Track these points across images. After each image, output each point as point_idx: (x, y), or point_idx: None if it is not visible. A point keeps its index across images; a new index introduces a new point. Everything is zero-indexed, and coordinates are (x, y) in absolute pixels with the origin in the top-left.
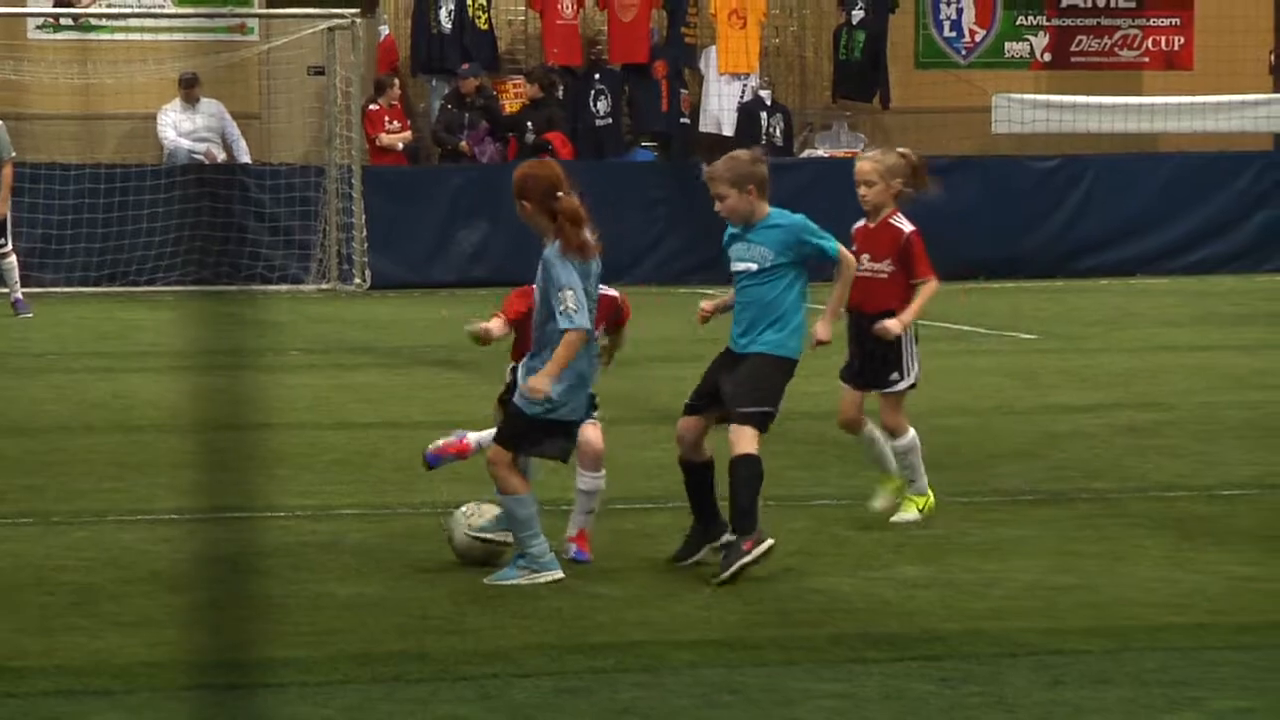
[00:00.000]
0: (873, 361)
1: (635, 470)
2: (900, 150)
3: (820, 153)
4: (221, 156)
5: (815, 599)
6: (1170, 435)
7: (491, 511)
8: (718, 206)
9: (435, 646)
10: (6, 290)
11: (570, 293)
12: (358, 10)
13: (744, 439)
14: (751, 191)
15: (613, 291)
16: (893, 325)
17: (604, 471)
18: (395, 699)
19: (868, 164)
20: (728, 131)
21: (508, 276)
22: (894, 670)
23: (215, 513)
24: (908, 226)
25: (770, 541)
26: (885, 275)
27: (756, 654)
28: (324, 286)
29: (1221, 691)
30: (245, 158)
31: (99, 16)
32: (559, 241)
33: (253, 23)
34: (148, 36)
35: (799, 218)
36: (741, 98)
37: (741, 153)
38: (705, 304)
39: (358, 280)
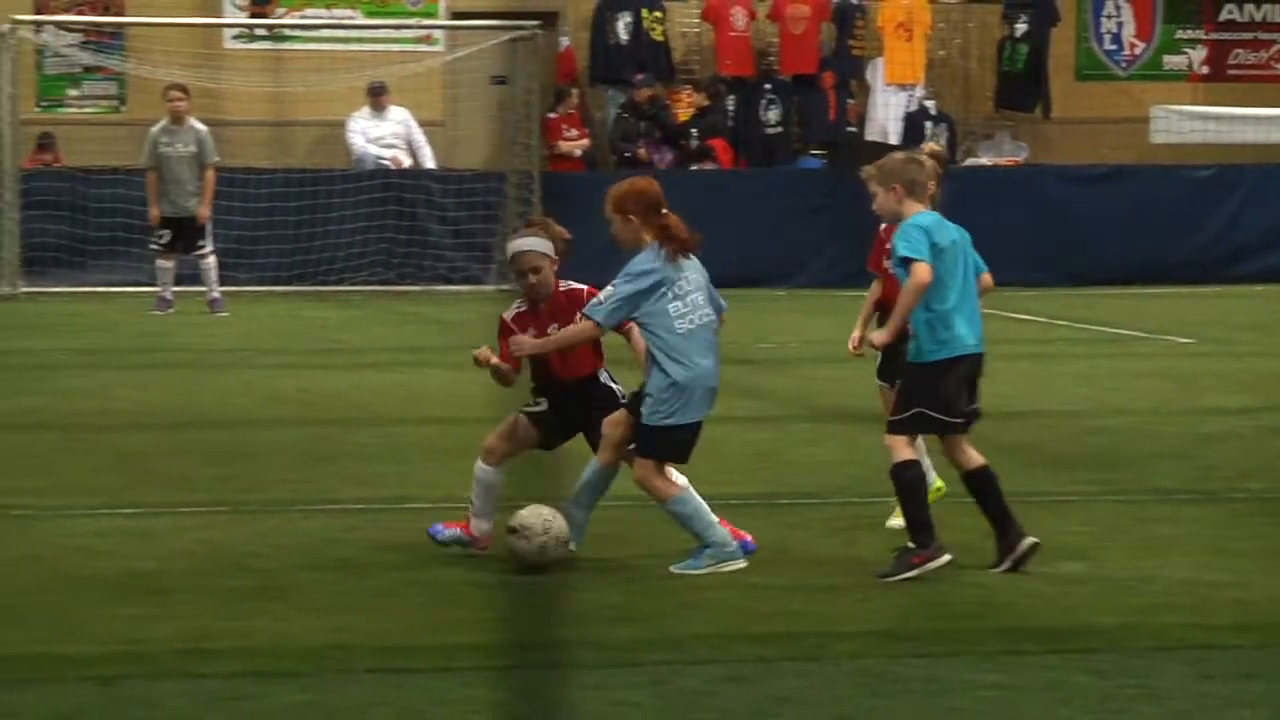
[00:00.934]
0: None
1: (798, 467)
2: (929, 148)
3: (983, 161)
4: (408, 162)
5: (974, 593)
6: None
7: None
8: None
9: (607, 634)
10: (205, 289)
11: (613, 289)
12: (539, 22)
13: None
14: (896, 190)
15: (581, 286)
16: (877, 337)
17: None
18: (568, 684)
19: (870, 168)
20: (893, 140)
21: None
22: (1050, 662)
23: (396, 503)
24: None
25: (946, 557)
26: None
27: (916, 645)
28: (503, 287)
29: None
30: (430, 163)
31: (292, 27)
32: (663, 249)
33: (439, 34)
34: (338, 46)
35: (909, 221)
36: (907, 107)
37: (898, 153)
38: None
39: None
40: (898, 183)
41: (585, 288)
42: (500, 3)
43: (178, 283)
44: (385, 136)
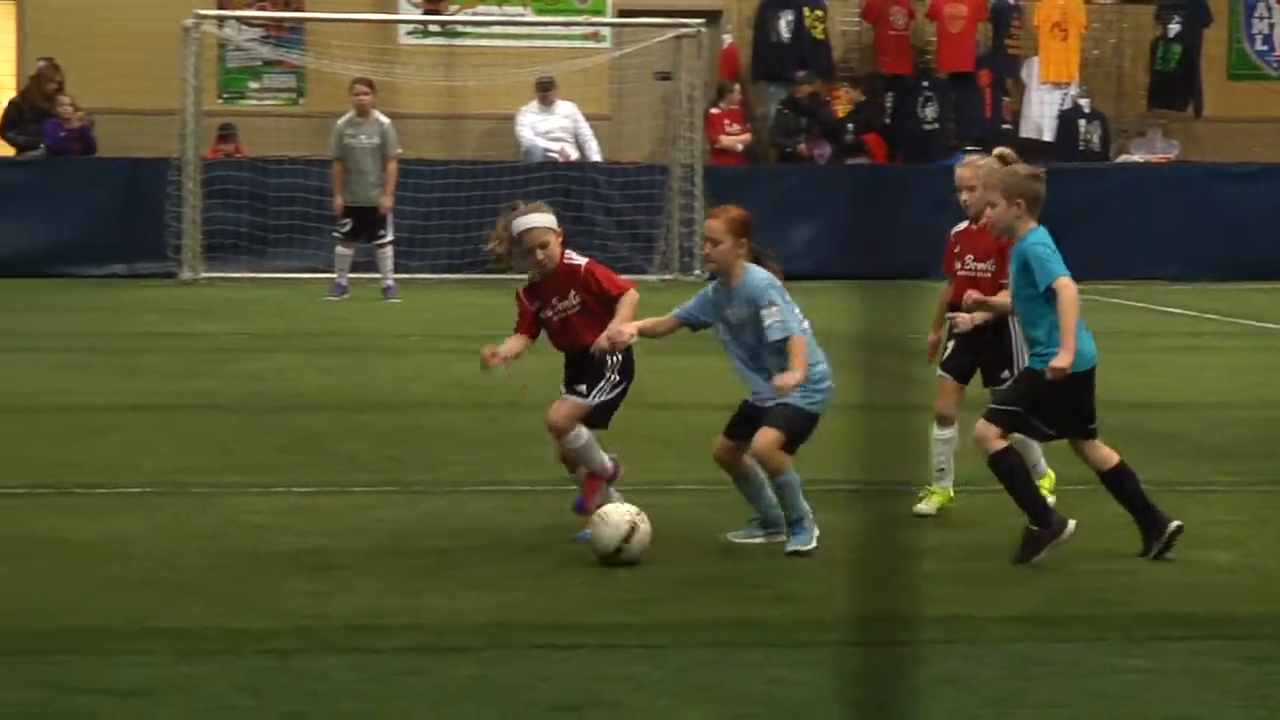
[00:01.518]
0: (985, 359)
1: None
2: (999, 152)
3: (1135, 158)
4: (574, 155)
5: (1120, 579)
6: None
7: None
8: (990, 213)
9: (766, 614)
10: (379, 276)
11: (780, 305)
12: (703, 20)
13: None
14: (1020, 204)
15: (579, 260)
16: (965, 317)
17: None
18: (727, 663)
19: (967, 170)
20: (1048, 137)
21: (831, 270)
22: (1196, 648)
23: (556, 485)
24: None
25: (1071, 525)
26: (988, 275)
27: (1064, 630)
28: (666, 277)
29: None
30: (596, 156)
31: (464, 23)
32: (765, 272)
33: (605, 31)
34: (508, 42)
35: (1039, 242)
36: (1061, 105)
37: (1019, 167)
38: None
39: (697, 271)
40: (1021, 198)
41: (584, 262)
42: (666, 1)
43: (351, 270)
44: (553, 130)
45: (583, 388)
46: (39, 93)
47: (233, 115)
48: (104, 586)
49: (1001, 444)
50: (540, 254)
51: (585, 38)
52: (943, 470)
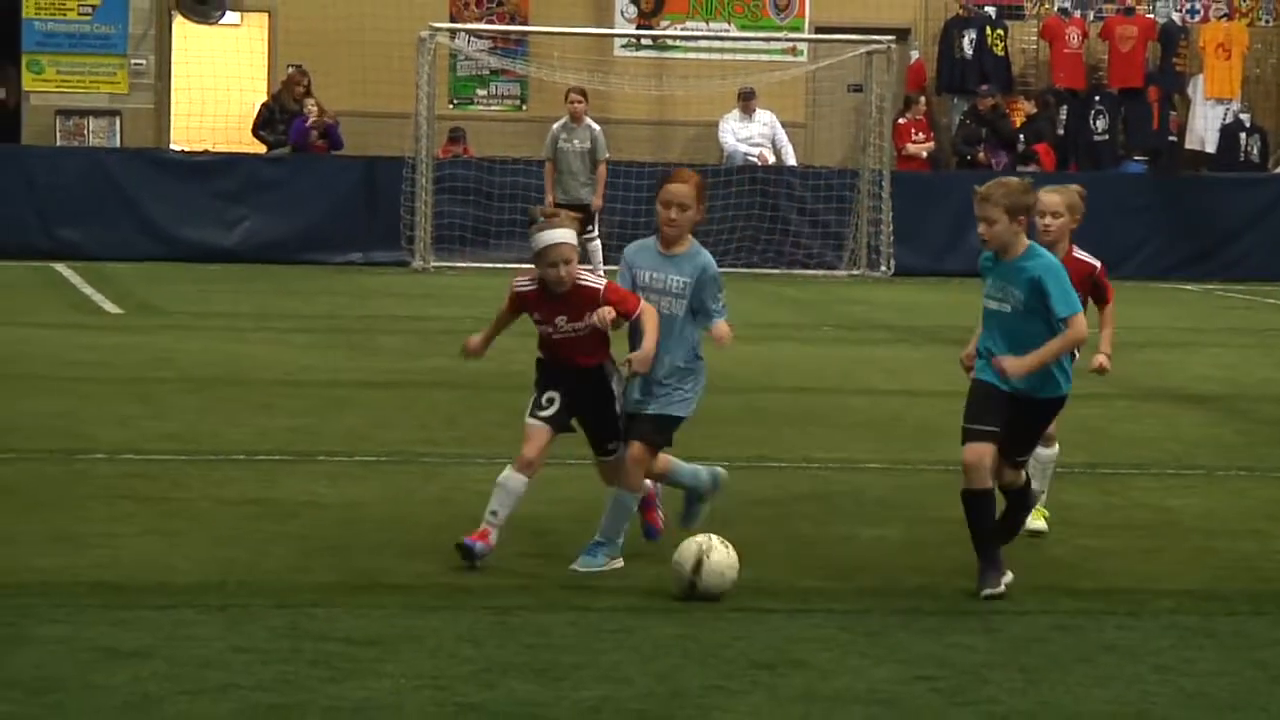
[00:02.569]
0: None
1: (1120, 440)
2: (1075, 187)
3: None
4: (772, 159)
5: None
6: None
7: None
8: (982, 230)
9: (946, 585)
10: (590, 268)
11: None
12: (893, 37)
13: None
14: (1022, 222)
15: (598, 283)
16: (1106, 364)
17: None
18: (910, 628)
19: (1057, 197)
20: (1210, 149)
21: None
22: None
23: (757, 462)
24: (1096, 261)
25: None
26: None
27: (1227, 604)
28: (854, 273)
29: None
30: (792, 160)
31: (674, 38)
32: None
33: (803, 46)
34: (714, 56)
35: (1059, 266)
36: (1224, 120)
37: (1014, 180)
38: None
39: (884, 268)
40: (1023, 214)
41: (602, 285)
42: (858, 18)
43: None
44: (753, 136)
45: (613, 445)
46: (289, 95)
47: (462, 119)
48: (344, 546)
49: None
50: (562, 270)
51: (784, 52)
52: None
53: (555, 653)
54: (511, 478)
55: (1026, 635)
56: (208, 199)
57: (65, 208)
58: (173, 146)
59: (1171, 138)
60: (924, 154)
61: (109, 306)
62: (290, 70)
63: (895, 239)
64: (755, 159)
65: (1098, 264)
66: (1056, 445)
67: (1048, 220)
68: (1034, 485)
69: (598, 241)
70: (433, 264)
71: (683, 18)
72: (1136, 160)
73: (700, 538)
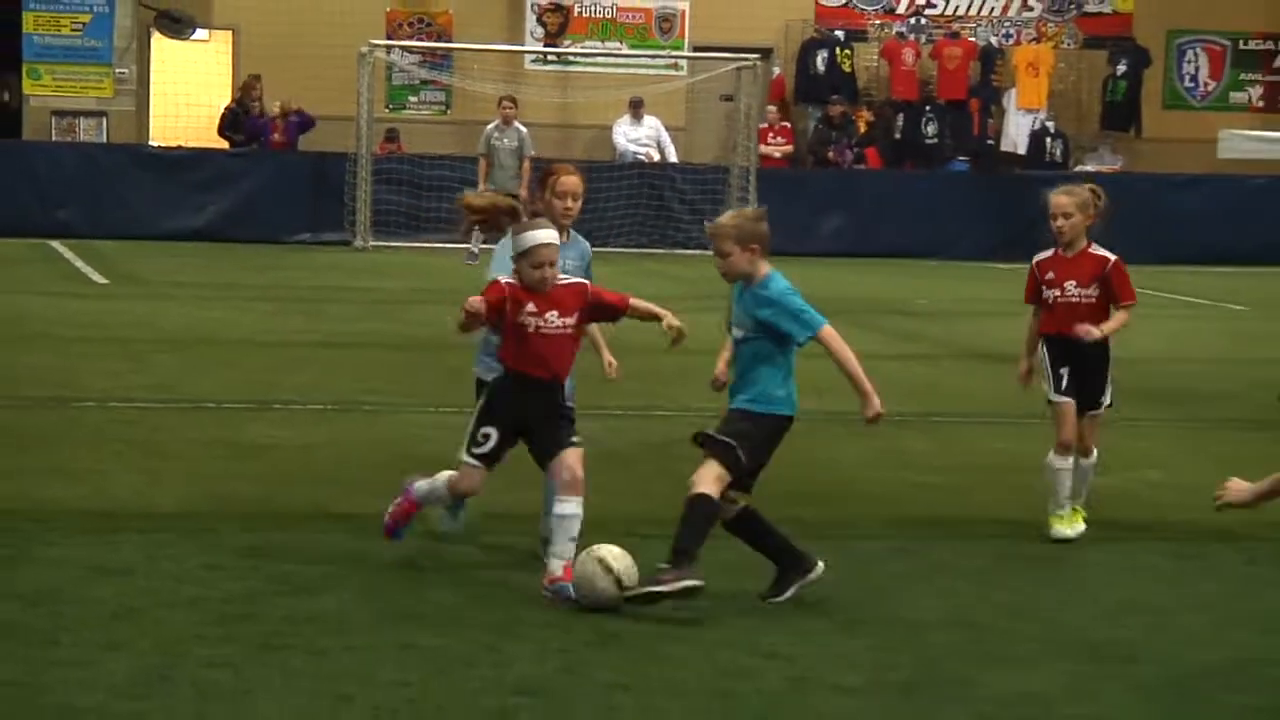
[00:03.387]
0: (1088, 382)
1: (949, 394)
2: (1090, 186)
3: (1089, 168)
4: (657, 157)
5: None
6: None
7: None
8: (719, 264)
9: (808, 512)
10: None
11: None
12: (759, 55)
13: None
14: (755, 250)
15: (581, 279)
16: (1094, 329)
17: (581, 498)
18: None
19: (1066, 198)
20: (1021, 151)
21: (856, 250)
22: (1134, 548)
23: (645, 412)
24: (1111, 255)
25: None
26: (1093, 300)
27: (1039, 530)
28: None
29: None
30: (674, 158)
31: (575, 54)
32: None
33: (683, 62)
34: (609, 70)
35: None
36: (1033, 126)
37: (749, 210)
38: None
39: None
40: (755, 243)
41: (586, 281)
42: (730, 39)
43: (483, 243)
44: (641, 138)
45: (576, 437)
46: (247, 98)
47: (396, 121)
48: (297, 481)
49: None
50: (549, 271)
51: (668, 67)
52: (1076, 493)
53: (475, 570)
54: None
55: (871, 557)
56: (181, 187)
57: (60, 194)
58: (151, 143)
59: (989, 141)
60: (778, 154)
61: (97, 278)
62: (248, 78)
63: None
64: (643, 157)
65: (1112, 258)
66: (1095, 454)
67: (1059, 221)
68: (1075, 489)
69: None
70: (371, 244)
71: (582, 38)
72: (960, 160)
73: (583, 559)
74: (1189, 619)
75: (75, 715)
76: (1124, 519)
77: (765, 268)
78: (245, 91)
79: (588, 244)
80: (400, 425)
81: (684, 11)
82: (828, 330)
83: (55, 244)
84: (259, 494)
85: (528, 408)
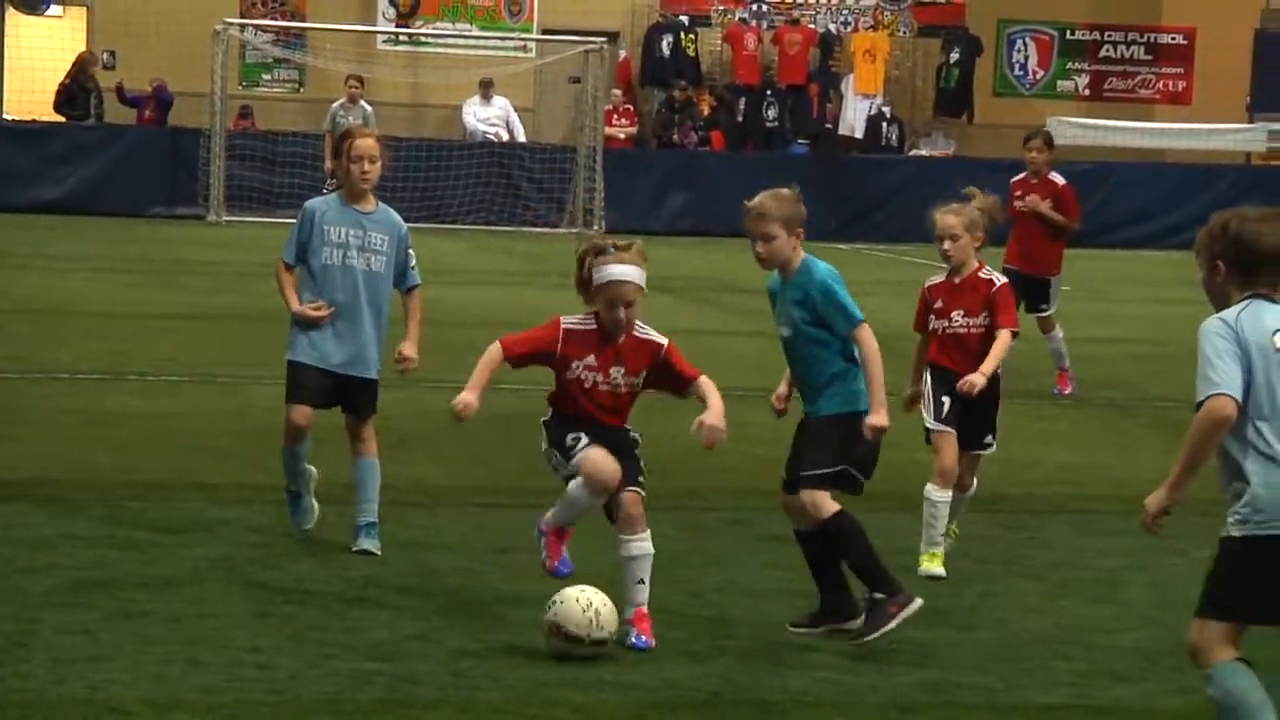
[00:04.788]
0: (975, 419)
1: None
2: (976, 203)
3: (923, 152)
4: (506, 137)
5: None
6: (1164, 362)
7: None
8: (762, 249)
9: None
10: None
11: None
12: (605, 39)
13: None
14: (800, 234)
15: (661, 339)
16: (976, 379)
17: (647, 533)
18: None
19: (953, 218)
20: (858, 135)
21: (703, 229)
22: (970, 518)
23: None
24: (999, 279)
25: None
26: (981, 330)
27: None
28: (572, 230)
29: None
30: (522, 138)
31: (426, 35)
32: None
33: (532, 44)
34: (459, 50)
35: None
36: (869, 112)
37: (785, 191)
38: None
39: (596, 226)
40: (800, 226)
41: (665, 341)
42: (577, 23)
43: None
44: (490, 118)
45: (640, 478)
46: (84, 76)
47: (250, 99)
48: (156, 449)
49: (836, 506)
50: (623, 312)
51: (517, 49)
52: (944, 534)
53: (333, 533)
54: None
55: (712, 527)
56: (38, 161)
57: None
58: (5, 116)
59: (828, 125)
60: (622, 135)
61: None
62: (83, 53)
63: (606, 203)
64: (492, 136)
65: (999, 282)
66: (974, 487)
67: (946, 245)
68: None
69: None
70: (225, 218)
71: (433, 19)
72: (800, 143)
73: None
74: (1022, 586)
75: None
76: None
77: (801, 254)
78: (81, 68)
79: (400, 219)
80: (255, 397)
81: None
82: (865, 328)
83: None
84: (115, 462)
85: (604, 436)
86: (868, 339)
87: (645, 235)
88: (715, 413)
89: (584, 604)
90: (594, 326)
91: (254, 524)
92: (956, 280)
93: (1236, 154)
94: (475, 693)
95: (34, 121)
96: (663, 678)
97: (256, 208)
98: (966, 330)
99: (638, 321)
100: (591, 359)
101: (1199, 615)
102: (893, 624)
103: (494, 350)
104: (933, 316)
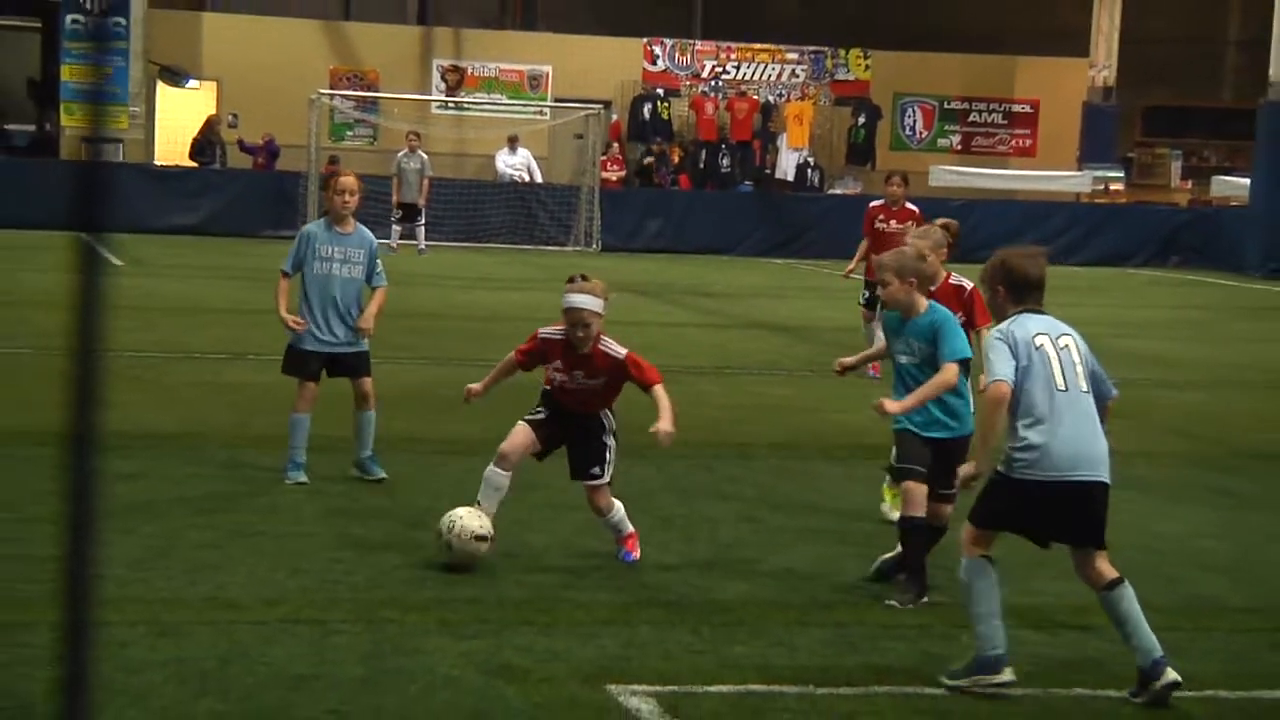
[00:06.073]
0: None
1: (736, 353)
2: (943, 222)
3: (838, 191)
4: (527, 179)
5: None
6: None
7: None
8: (880, 293)
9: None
10: (416, 242)
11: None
12: (601, 106)
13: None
14: (912, 284)
15: (620, 352)
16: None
17: (616, 506)
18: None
19: (920, 240)
20: (790, 178)
21: (673, 247)
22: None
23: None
24: (969, 283)
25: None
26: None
27: (803, 452)
28: (578, 248)
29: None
30: (539, 179)
31: (468, 103)
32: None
33: (547, 110)
34: (492, 114)
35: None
36: (798, 160)
37: (909, 249)
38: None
39: (594, 245)
40: (914, 277)
41: (623, 354)
42: (581, 93)
43: (401, 238)
44: (516, 164)
45: (597, 469)
46: (211, 132)
47: (336, 149)
48: (264, 411)
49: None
50: (580, 332)
51: (535, 113)
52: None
53: (396, 474)
54: (492, 472)
55: (680, 471)
56: (178, 195)
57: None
58: (155, 163)
59: (767, 171)
60: (614, 178)
61: (114, 260)
62: (209, 116)
63: (603, 228)
64: (517, 178)
65: (969, 286)
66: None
67: (880, 289)
68: None
69: (423, 227)
70: None
71: (474, 90)
72: (746, 184)
73: (459, 511)
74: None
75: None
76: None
77: (924, 303)
78: (210, 126)
79: (371, 235)
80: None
81: (548, 73)
82: (954, 367)
83: (82, 236)
84: (235, 420)
85: (569, 423)
86: (950, 375)
87: (629, 252)
88: (666, 419)
89: (474, 513)
90: (563, 337)
91: (337, 466)
92: (932, 289)
93: (1069, 194)
94: (504, 591)
95: (175, 166)
96: (641, 582)
97: None
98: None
99: (605, 337)
100: (558, 363)
101: (970, 521)
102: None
103: (509, 358)
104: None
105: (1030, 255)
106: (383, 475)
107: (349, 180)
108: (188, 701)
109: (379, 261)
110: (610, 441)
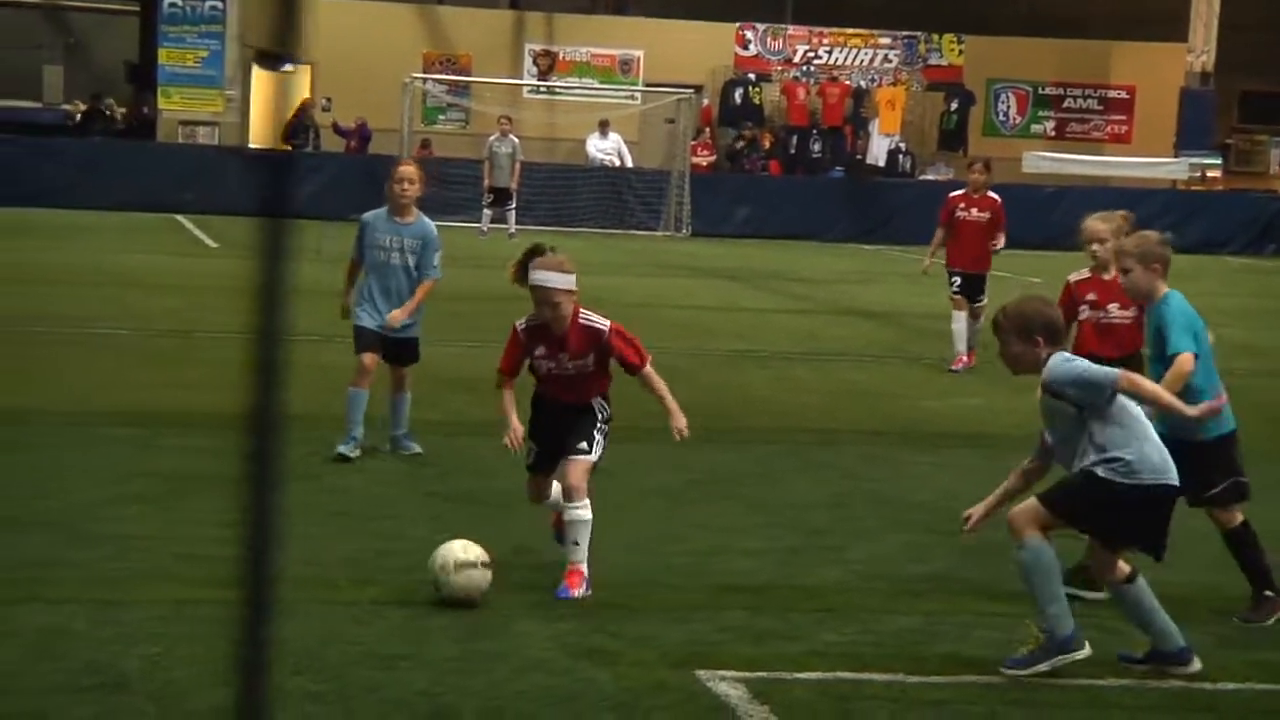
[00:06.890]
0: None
1: (821, 338)
2: (1123, 213)
3: (929, 177)
4: (618, 163)
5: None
6: None
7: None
8: (1122, 279)
9: (647, 423)
10: (506, 226)
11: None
12: (693, 90)
13: None
14: (1156, 270)
15: (603, 323)
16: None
17: (584, 501)
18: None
19: (1100, 224)
20: (882, 164)
21: (763, 232)
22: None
23: None
24: (604, 323)
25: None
26: (1130, 320)
27: (832, 435)
28: (667, 233)
29: None
30: (630, 164)
31: (560, 87)
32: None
33: (638, 94)
34: (583, 98)
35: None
36: (890, 147)
37: (1151, 233)
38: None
39: (685, 230)
40: (1157, 263)
41: (606, 325)
42: (672, 77)
43: (492, 222)
44: (606, 148)
45: (584, 444)
46: (304, 115)
47: (429, 133)
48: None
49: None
50: (550, 312)
51: (627, 97)
52: None
53: (483, 459)
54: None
55: (769, 456)
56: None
57: (183, 181)
58: (250, 146)
59: (858, 156)
60: (704, 163)
61: (209, 242)
62: (302, 100)
63: (691, 213)
64: (608, 163)
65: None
66: None
67: (1095, 247)
68: None
69: (514, 211)
70: None
71: (565, 75)
72: (837, 170)
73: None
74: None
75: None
76: (950, 431)
77: (1163, 288)
78: (304, 110)
79: (432, 226)
80: (427, 356)
81: (640, 58)
82: (1188, 356)
83: (179, 218)
84: (327, 401)
85: (560, 421)
86: (1176, 365)
87: (718, 237)
88: (677, 417)
89: (462, 543)
90: (540, 322)
91: (425, 447)
92: (1105, 277)
93: (1165, 181)
94: (594, 574)
95: (270, 150)
96: (729, 568)
97: (432, 214)
98: (1120, 321)
99: (584, 310)
100: (542, 349)
101: (1039, 500)
102: (1269, 620)
103: (500, 383)
104: (1086, 308)
105: (1041, 300)
106: (418, 449)
107: (408, 169)
108: (281, 678)
109: (437, 255)
110: (603, 428)
